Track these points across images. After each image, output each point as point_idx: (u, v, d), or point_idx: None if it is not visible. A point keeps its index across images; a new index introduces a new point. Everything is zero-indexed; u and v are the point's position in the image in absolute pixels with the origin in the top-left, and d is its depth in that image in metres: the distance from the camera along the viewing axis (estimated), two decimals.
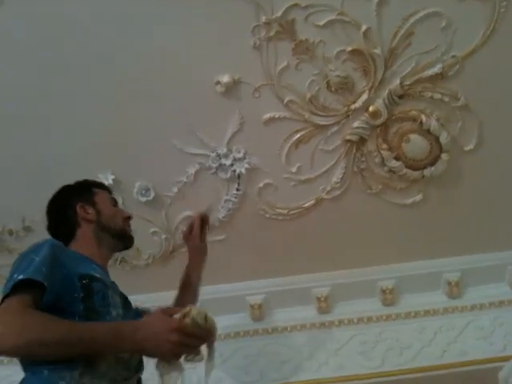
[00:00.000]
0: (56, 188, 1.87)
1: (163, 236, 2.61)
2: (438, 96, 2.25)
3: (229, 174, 2.43)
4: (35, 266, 1.43)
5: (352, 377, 2.56)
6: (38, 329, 1.32)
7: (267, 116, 2.30)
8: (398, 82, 2.21)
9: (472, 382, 2.52)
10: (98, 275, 1.59)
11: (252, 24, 2.08)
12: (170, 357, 1.46)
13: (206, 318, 1.45)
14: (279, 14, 2.06)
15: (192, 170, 2.42)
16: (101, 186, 2.01)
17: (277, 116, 2.30)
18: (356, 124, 2.32)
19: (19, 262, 1.48)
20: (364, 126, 2.32)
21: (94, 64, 2.16)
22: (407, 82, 2.22)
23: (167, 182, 2.46)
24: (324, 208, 2.53)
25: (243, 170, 2.41)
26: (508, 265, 2.70)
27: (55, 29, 2.07)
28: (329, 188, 2.48)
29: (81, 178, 1.93)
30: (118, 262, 2.61)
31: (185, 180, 2.45)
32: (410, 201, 2.52)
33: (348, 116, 2.31)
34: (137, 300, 1.90)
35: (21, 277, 1.40)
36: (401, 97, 2.26)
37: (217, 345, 1.54)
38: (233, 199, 2.49)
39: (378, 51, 2.14)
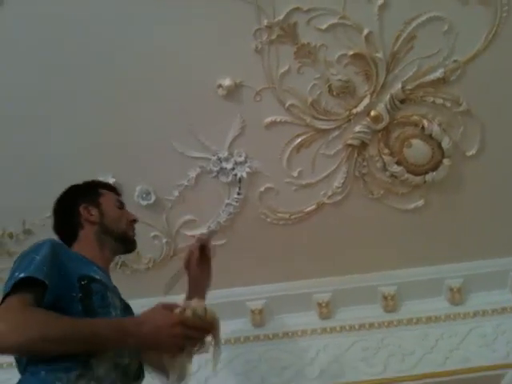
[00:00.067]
0: (56, 188, 1.86)
1: (164, 240, 2.60)
2: (439, 101, 2.25)
3: (230, 178, 2.42)
4: (36, 264, 1.43)
5: (353, 383, 2.54)
6: (40, 325, 1.32)
7: (268, 120, 2.29)
8: (399, 86, 2.21)
9: None
10: (98, 276, 1.58)
11: (253, 27, 2.08)
12: (174, 350, 1.48)
13: (205, 309, 1.48)
14: (281, 17, 2.06)
15: (193, 174, 2.42)
16: (109, 187, 1.98)
17: (278, 120, 2.29)
18: (357, 128, 2.31)
19: (20, 261, 1.48)
20: (365, 130, 2.31)
21: (94, 64, 2.16)
22: (409, 87, 2.22)
23: (168, 185, 2.45)
24: (325, 213, 2.52)
25: (244, 174, 2.41)
26: (510, 271, 2.69)
27: (55, 29, 2.07)
28: (330, 193, 2.48)
29: (81, 178, 1.91)
30: (118, 266, 2.60)
31: (186, 184, 2.44)
32: (411, 206, 2.51)
33: (349, 120, 2.30)
34: (137, 304, 1.89)
35: (22, 275, 1.39)
36: (402, 101, 2.25)
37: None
38: (234, 203, 2.49)
39: (379, 55, 2.13)
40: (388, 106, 2.26)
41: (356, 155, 2.39)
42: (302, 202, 2.50)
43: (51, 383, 1.33)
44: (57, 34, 2.08)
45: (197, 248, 1.91)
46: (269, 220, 2.54)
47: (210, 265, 1.92)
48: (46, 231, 2.00)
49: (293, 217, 2.53)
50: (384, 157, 2.38)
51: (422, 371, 2.54)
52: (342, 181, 2.44)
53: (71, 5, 2.03)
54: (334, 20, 2.07)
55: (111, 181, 2.37)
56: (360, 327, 2.71)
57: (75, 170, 2.07)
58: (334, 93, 2.23)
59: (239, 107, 2.26)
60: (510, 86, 2.23)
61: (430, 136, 2.32)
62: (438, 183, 2.43)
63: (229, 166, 2.39)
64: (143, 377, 1.66)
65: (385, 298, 2.73)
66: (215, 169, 2.40)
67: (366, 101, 2.25)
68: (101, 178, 2.33)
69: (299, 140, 2.34)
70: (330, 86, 2.21)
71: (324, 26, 2.08)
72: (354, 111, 2.28)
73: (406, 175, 2.41)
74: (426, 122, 2.29)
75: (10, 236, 2.56)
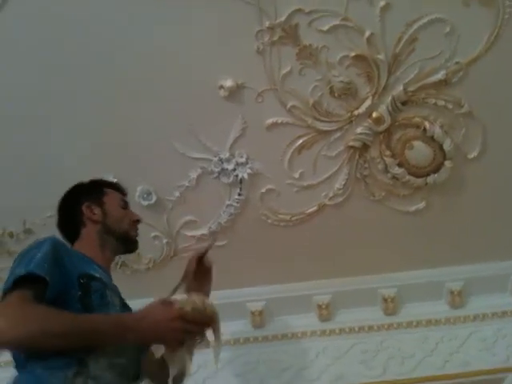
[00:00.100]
0: (56, 188, 1.85)
1: (164, 240, 2.60)
2: (441, 103, 2.25)
3: (231, 179, 2.42)
4: (37, 261, 1.43)
5: None
6: (40, 320, 1.32)
7: (270, 121, 2.29)
8: (401, 88, 2.21)
9: None
10: (98, 275, 1.58)
11: (255, 28, 2.08)
12: (173, 344, 1.48)
13: (204, 303, 1.49)
14: (283, 18, 2.06)
15: (194, 175, 2.42)
16: (114, 186, 1.96)
17: (280, 121, 2.29)
18: (359, 130, 2.31)
19: (21, 258, 1.49)
20: (367, 132, 2.31)
21: (94, 64, 2.16)
22: (411, 89, 2.21)
23: (169, 186, 2.45)
24: (326, 214, 2.52)
25: (245, 175, 2.40)
26: (511, 275, 2.68)
27: (55, 29, 2.07)
28: (331, 194, 2.47)
29: (81, 179, 1.91)
30: (118, 266, 2.60)
31: (187, 184, 2.44)
32: (412, 208, 2.51)
33: (351, 122, 2.30)
34: (137, 304, 1.88)
35: (22, 272, 1.40)
36: (404, 103, 2.25)
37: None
38: (235, 204, 2.48)
39: (381, 57, 2.13)
40: (390, 108, 2.25)
41: (357, 157, 2.39)
42: (303, 203, 2.50)
43: (47, 381, 1.34)
44: (57, 33, 2.09)
45: (194, 261, 1.83)
46: (270, 221, 2.53)
47: (211, 275, 1.85)
48: (46, 231, 2.00)
49: (294, 218, 2.53)
50: (385, 158, 2.38)
51: (421, 374, 2.53)
52: (343, 182, 2.44)
53: (71, 5, 2.04)
54: (336, 21, 2.07)
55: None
56: (360, 329, 2.70)
57: (75, 170, 2.06)
58: (336, 94, 2.23)
59: (241, 108, 2.26)
60: (511, 87, 2.22)
61: (432, 138, 2.31)
62: (440, 185, 2.42)
63: (230, 166, 2.39)
64: (142, 381, 1.65)
65: (385, 300, 2.72)
66: (216, 170, 2.40)
67: (368, 102, 2.25)
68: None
69: (301, 141, 2.34)
70: (331, 88, 2.21)
71: (326, 28, 2.08)
72: (356, 113, 2.27)
73: (408, 177, 2.41)
74: (427, 124, 2.29)
75: (11, 235, 2.56)
